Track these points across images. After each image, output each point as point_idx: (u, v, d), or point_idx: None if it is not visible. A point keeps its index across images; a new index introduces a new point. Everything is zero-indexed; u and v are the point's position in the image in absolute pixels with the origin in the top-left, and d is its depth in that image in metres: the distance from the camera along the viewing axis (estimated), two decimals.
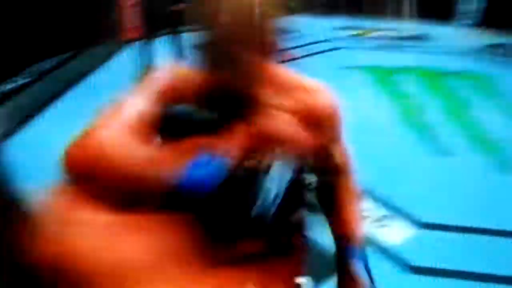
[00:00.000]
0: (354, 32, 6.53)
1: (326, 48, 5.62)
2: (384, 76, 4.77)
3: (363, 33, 6.52)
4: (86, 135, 0.63)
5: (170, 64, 0.79)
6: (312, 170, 0.82)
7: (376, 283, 1.00)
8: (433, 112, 3.86)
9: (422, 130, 3.51)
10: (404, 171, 2.86)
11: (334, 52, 5.57)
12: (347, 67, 4.94)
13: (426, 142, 3.32)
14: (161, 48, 4.24)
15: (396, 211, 2.45)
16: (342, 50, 5.68)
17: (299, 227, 0.79)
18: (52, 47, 4.75)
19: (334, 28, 6.65)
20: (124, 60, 4.73)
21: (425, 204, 2.51)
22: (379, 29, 6.68)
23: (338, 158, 0.91)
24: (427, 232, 2.30)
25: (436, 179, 2.79)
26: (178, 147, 0.64)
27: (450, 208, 2.48)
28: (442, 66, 4.96)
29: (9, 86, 4.10)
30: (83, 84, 4.37)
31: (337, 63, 5.04)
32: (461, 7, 6.89)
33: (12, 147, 3.09)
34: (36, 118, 3.64)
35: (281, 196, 0.69)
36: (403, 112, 3.84)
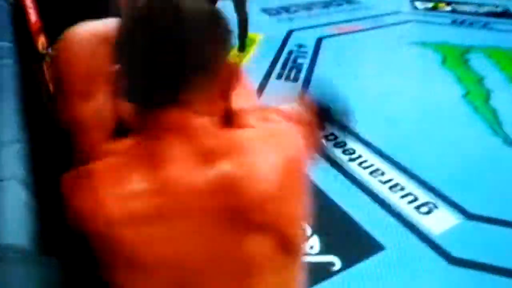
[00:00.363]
0: (429, 5, 6.14)
1: (395, 21, 5.36)
2: (456, 55, 4.50)
3: (438, 6, 6.11)
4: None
5: None
6: None
7: None
8: (504, 98, 3.61)
9: (488, 117, 3.32)
10: (459, 158, 2.76)
11: (402, 25, 5.30)
12: (416, 43, 4.71)
13: (491, 129, 3.14)
14: None
15: (443, 198, 2.40)
16: (412, 23, 5.39)
17: None
18: None
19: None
20: None
21: (475, 194, 2.44)
22: (457, 3, 6.22)
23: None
24: (474, 223, 2.25)
25: (492, 168, 2.66)
26: None
27: (502, 201, 2.38)
28: None
29: None
30: None
31: (405, 38, 4.81)
32: None
33: None
34: None
35: None
36: (470, 96, 3.63)
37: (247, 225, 0.63)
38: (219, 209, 0.61)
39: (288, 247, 0.67)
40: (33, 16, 1.25)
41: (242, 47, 4.17)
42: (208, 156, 0.61)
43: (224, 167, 0.60)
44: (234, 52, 4.17)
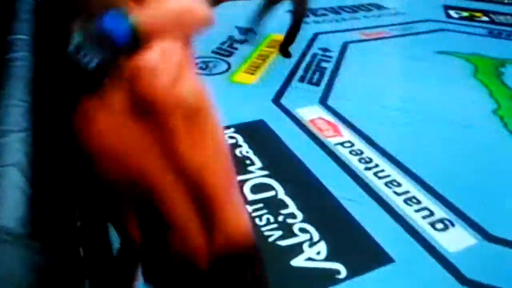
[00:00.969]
0: (464, 14, 6.02)
1: (426, 29, 5.29)
2: (489, 67, 4.40)
3: (474, 16, 5.99)
4: None
5: None
6: None
7: None
8: None
9: None
10: (483, 175, 2.70)
11: (434, 34, 5.22)
12: (446, 52, 4.63)
13: None
14: None
15: (462, 216, 2.36)
16: (444, 32, 5.30)
17: None
18: None
19: (442, 7, 6.19)
20: None
21: (497, 214, 2.38)
22: (495, 13, 6.07)
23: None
24: (492, 245, 2.20)
25: None
26: None
27: None
28: None
29: None
30: None
31: (436, 46, 4.74)
32: None
33: None
34: None
35: None
36: (501, 111, 3.54)
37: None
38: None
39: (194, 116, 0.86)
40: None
41: (287, 52, 4.19)
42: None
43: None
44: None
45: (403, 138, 3.03)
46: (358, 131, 3.07)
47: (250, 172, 2.64)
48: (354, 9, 5.77)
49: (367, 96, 3.54)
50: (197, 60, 3.99)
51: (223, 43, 4.49)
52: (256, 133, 2.82)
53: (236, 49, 4.42)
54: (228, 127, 2.79)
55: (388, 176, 2.66)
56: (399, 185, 2.59)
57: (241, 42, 4.53)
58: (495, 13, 6.11)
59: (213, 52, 4.30)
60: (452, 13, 6.05)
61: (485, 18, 5.94)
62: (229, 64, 4.07)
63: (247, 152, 2.82)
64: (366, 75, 3.90)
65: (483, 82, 4.06)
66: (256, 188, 2.50)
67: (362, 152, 2.87)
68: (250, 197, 2.44)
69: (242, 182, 2.53)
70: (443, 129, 3.19)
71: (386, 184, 2.59)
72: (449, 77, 4.05)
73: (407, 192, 2.53)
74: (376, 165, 2.76)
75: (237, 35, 4.68)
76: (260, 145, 2.89)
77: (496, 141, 3.11)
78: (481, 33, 5.41)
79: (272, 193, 2.48)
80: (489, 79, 4.14)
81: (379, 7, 5.83)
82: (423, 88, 3.72)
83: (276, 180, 2.56)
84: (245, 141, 2.90)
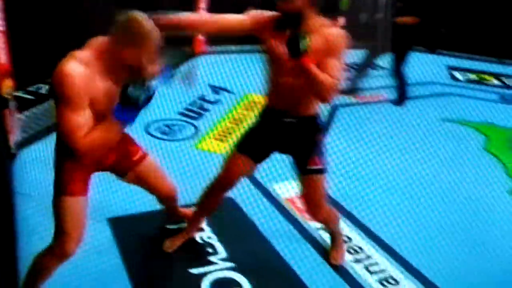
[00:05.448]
0: (472, 76, 6.27)
1: (428, 93, 5.45)
2: (502, 138, 4.49)
3: (484, 79, 6.24)
4: None
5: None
6: None
7: None
8: None
9: None
10: (498, 269, 2.63)
11: (437, 98, 5.38)
12: (452, 120, 4.74)
13: None
14: None
15: None
16: (449, 97, 5.47)
17: None
18: None
19: (446, 67, 6.46)
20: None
21: None
22: (508, 76, 6.34)
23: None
24: None
25: None
26: None
27: None
28: None
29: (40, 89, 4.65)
30: None
31: (441, 113, 4.85)
32: None
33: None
34: None
35: None
36: None
37: None
38: None
39: None
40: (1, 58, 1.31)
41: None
42: None
43: None
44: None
45: (402, 225, 2.96)
46: (347, 214, 3.01)
47: (212, 263, 2.53)
48: (346, 67, 5.94)
49: (360, 171, 3.52)
50: (159, 123, 4.07)
51: (192, 104, 4.54)
52: (222, 214, 2.73)
53: (206, 110, 4.46)
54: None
55: (383, 271, 2.57)
56: (396, 283, 2.49)
57: (213, 102, 4.58)
58: (507, 76, 6.39)
59: (179, 113, 4.32)
60: (457, 75, 6.30)
61: (496, 82, 6.19)
62: (196, 128, 4.07)
63: (209, 237, 2.72)
64: (358, 146, 3.92)
65: (496, 156, 4.12)
66: (217, 285, 2.38)
67: (350, 240, 2.79)
68: None
69: (201, 276, 2.42)
70: (451, 213, 3.15)
71: (380, 281, 2.49)
72: (457, 150, 4.09)
73: None
74: (368, 257, 2.67)
75: (208, 95, 4.75)
76: (226, 229, 2.80)
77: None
78: (492, 98, 5.60)
79: None
80: (503, 152, 4.21)
81: (375, 66, 6.03)
82: (426, 164, 3.73)
83: (243, 274, 2.45)
84: (208, 224, 2.80)
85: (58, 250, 1.95)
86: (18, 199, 2.89)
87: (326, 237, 2.77)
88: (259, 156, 2.35)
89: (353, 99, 5.09)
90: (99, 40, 1.79)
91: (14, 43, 4.30)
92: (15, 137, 3.53)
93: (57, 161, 1.95)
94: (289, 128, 2.21)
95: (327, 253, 2.63)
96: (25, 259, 2.41)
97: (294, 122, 2.19)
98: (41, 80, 4.78)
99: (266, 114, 2.30)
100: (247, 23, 2.14)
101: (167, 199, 2.44)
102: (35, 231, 2.63)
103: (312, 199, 2.34)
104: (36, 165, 3.32)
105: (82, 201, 1.96)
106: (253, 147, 2.32)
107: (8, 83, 3.49)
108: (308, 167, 2.25)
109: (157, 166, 2.30)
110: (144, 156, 2.18)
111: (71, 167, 1.90)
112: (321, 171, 2.27)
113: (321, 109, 2.25)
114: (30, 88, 4.61)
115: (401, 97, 5.08)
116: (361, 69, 5.23)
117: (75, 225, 1.93)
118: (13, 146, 3.46)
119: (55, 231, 1.96)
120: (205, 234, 2.74)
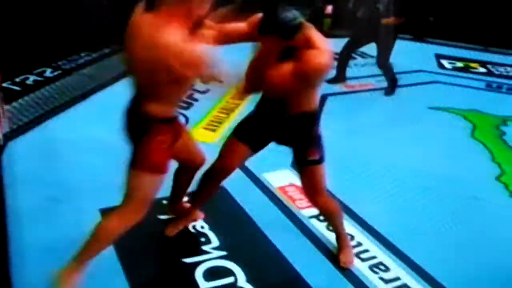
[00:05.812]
0: (459, 64, 6.32)
1: (415, 81, 5.50)
2: (489, 125, 4.54)
3: (471, 67, 6.29)
4: None
5: None
6: None
7: None
8: None
9: None
10: (488, 256, 2.69)
11: (425, 86, 5.43)
12: (439, 108, 4.79)
13: None
14: None
15: None
16: (436, 85, 5.52)
17: None
18: (93, 41, 5.27)
19: (434, 56, 6.50)
20: None
21: None
22: (494, 64, 6.41)
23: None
24: None
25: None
26: None
27: None
28: None
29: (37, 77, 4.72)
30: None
31: (429, 101, 4.91)
32: None
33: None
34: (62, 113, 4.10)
35: None
36: (506, 178, 3.60)
37: None
38: None
39: None
40: None
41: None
42: None
43: None
44: None
45: (391, 212, 3.00)
46: (338, 202, 3.02)
47: (205, 252, 2.54)
48: (335, 56, 5.96)
49: (349, 160, 3.55)
50: None
51: None
52: (214, 203, 2.75)
53: (196, 100, 4.45)
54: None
55: (374, 258, 2.61)
56: (387, 269, 2.53)
57: (203, 92, 4.56)
58: (493, 64, 6.46)
59: None
60: (445, 63, 6.35)
61: (482, 70, 6.25)
62: (186, 118, 4.06)
63: (202, 227, 2.73)
64: (347, 134, 3.94)
65: (483, 143, 4.17)
66: (211, 274, 2.39)
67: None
68: (204, 285, 2.33)
69: (194, 265, 2.43)
70: (438, 201, 3.20)
71: (371, 268, 2.53)
72: (444, 137, 4.14)
73: (396, 279, 2.47)
74: (359, 244, 2.70)
75: (198, 84, 4.71)
76: (218, 218, 2.81)
77: (503, 216, 3.12)
78: (478, 86, 5.66)
79: (230, 279, 2.38)
80: (490, 139, 4.26)
81: (363, 55, 6.05)
82: (413, 152, 3.77)
83: (236, 263, 2.47)
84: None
85: (127, 215, 2.03)
86: (7, 191, 2.90)
87: (318, 225, 2.81)
88: (257, 145, 2.38)
89: (343, 88, 5.12)
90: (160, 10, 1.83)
91: (0, 34, 4.26)
92: (3, 128, 3.50)
93: (142, 137, 1.96)
94: (288, 123, 2.22)
95: (335, 257, 2.58)
96: (15, 250, 2.42)
97: (294, 117, 2.19)
98: (27, 71, 4.76)
99: (264, 105, 2.30)
100: (246, 30, 2.11)
101: (196, 168, 2.47)
102: (25, 223, 2.64)
103: (313, 188, 2.37)
104: (24, 157, 3.30)
105: (162, 179, 2.03)
106: (252, 136, 2.34)
107: None
108: (307, 159, 2.27)
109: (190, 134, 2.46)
110: (183, 125, 2.28)
111: (158, 145, 1.95)
112: (320, 162, 2.29)
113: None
114: (17, 79, 4.59)
115: (392, 87, 5.07)
116: (342, 58, 5.15)
117: (148, 198, 2.03)
118: (1, 138, 3.44)
119: (126, 198, 2.02)
120: (198, 223, 2.76)
